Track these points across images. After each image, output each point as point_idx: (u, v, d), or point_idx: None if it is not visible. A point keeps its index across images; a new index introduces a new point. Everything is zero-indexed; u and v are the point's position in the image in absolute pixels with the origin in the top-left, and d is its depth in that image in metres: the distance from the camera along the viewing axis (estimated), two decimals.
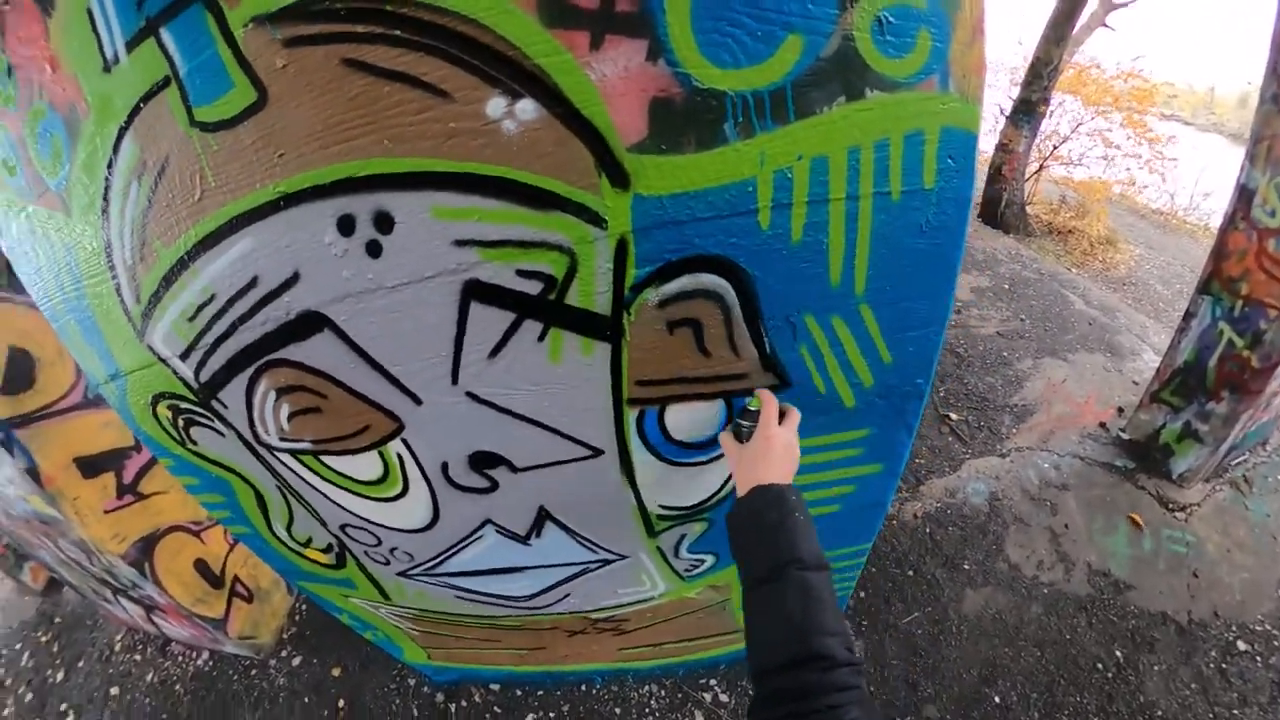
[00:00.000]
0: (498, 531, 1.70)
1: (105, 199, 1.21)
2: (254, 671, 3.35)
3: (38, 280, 1.42)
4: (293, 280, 1.14)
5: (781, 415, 1.16)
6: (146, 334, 1.39)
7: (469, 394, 1.27)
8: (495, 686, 2.95)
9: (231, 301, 1.25)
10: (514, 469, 1.45)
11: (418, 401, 1.31)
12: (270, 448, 1.57)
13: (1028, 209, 6.96)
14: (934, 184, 0.95)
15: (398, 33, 0.87)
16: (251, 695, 3.24)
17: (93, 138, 1.14)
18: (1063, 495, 3.02)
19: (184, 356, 1.40)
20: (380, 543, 1.84)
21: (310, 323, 1.19)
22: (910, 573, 2.83)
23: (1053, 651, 2.30)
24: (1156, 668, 2.16)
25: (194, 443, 1.64)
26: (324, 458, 1.55)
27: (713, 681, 2.74)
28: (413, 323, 1.14)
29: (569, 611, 2.16)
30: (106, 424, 2.77)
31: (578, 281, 1.06)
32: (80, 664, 3.75)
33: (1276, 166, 2.40)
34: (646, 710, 2.74)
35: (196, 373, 1.43)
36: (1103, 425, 3.41)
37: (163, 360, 1.43)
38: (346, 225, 1.03)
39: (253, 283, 1.19)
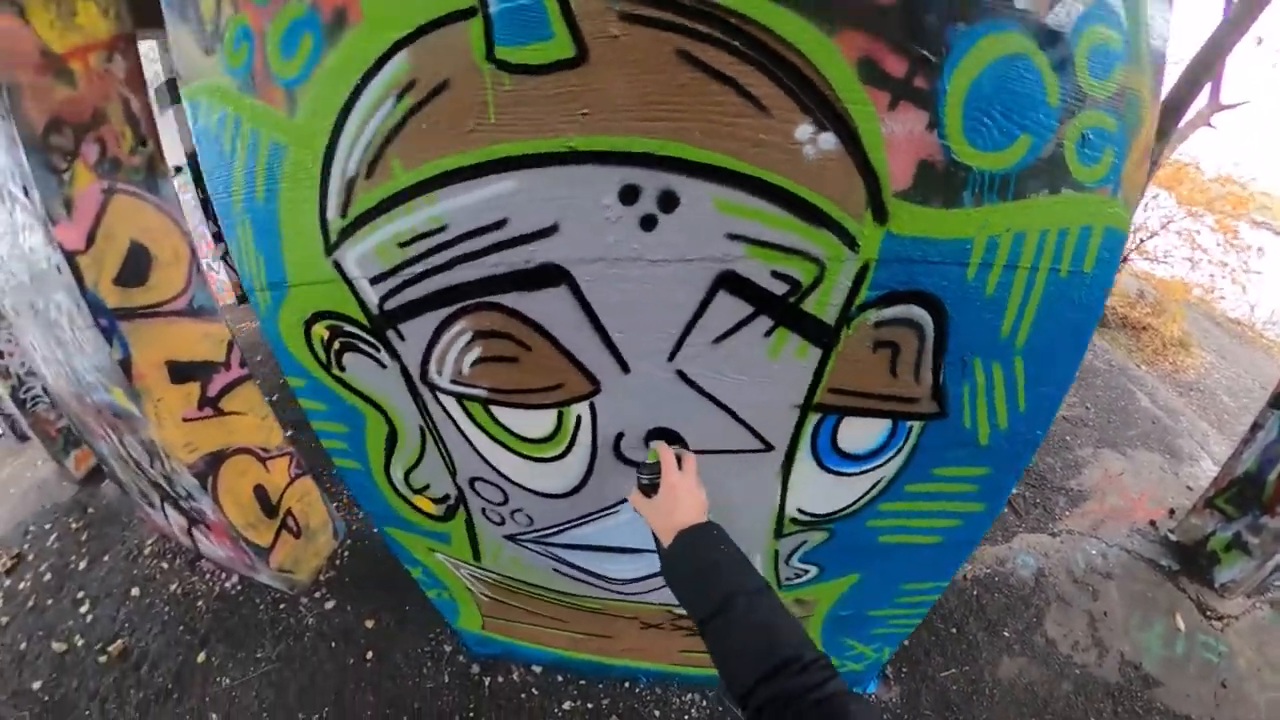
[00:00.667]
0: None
1: (347, 108, 1.21)
2: (283, 605, 3.31)
3: (223, 173, 1.39)
4: (549, 231, 1.16)
5: (678, 461, 1.23)
6: (338, 250, 1.38)
7: (679, 372, 1.32)
8: (537, 668, 2.92)
9: (465, 237, 1.26)
10: (685, 449, 1.45)
11: (626, 370, 1.34)
12: (436, 388, 1.56)
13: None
14: (1091, 269, 1.12)
15: (736, 43, 0.95)
16: (276, 628, 3.21)
17: (356, 46, 1.14)
18: (1105, 583, 3.04)
19: (376, 280, 1.40)
20: (506, 501, 1.82)
21: (547, 275, 1.22)
22: (953, 630, 2.89)
23: None
24: None
25: (341, 369, 1.64)
26: (493, 408, 1.55)
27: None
28: (657, 298, 1.20)
29: (659, 603, 2.13)
30: (205, 335, 2.78)
31: (818, 291, 1.15)
32: (105, 558, 3.74)
33: None
34: (686, 717, 2.69)
35: (384, 300, 1.43)
36: (1153, 523, 3.42)
37: (347, 280, 1.43)
38: (629, 194, 1.07)
39: (499, 224, 1.20)
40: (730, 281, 1.14)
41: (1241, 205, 6.60)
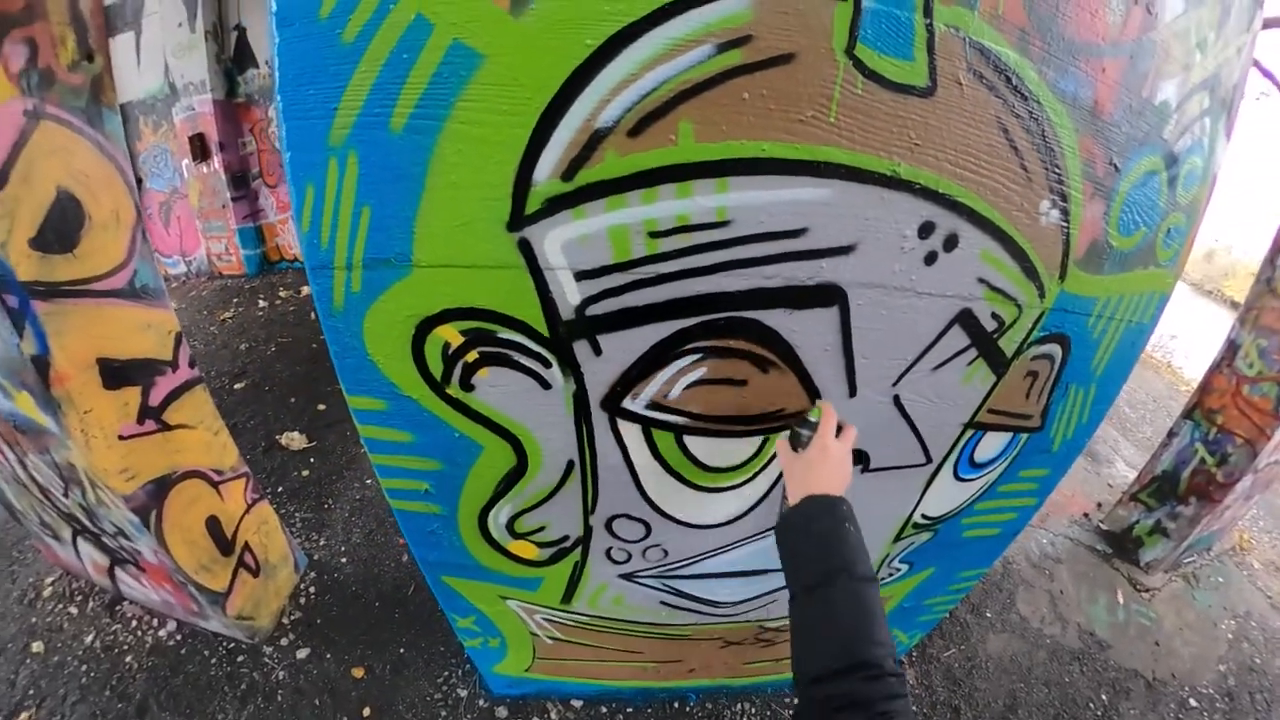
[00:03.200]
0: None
1: (625, 34, 0.88)
2: (241, 658, 2.69)
3: (326, 71, 0.91)
4: (846, 250, 1.09)
5: (839, 430, 1.20)
6: (533, 226, 1.01)
7: (895, 397, 1.34)
8: (577, 703, 2.56)
9: (751, 240, 1.03)
10: (864, 471, 1.48)
11: (851, 395, 1.30)
12: (622, 414, 1.25)
13: None
14: (1147, 321, 1.41)
15: (1031, 124, 1.05)
16: (238, 686, 2.59)
17: None
18: (1057, 567, 3.40)
19: (588, 275, 1.06)
20: (644, 538, 1.60)
21: (825, 295, 1.14)
22: (948, 616, 3.10)
23: (1056, 690, 2.64)
24: (1132, 712, 2.57)
25: (468, 388, 1.23)
26: (688, 436, 1.31)
27: (795, 700, 2.57)
28: (906, 327, 1.22)
29: (755, 620, 2.03)
30: (148, 326, 2.15)
31: (1012, 330, 1.28)
32: None
33: (1259, 331, 3.10)
34: None
35: (588, 302, 1.09)
36: (1086, 515, 3.92)
37: (535, 269, 1.04)
38: (926, 230, 1.09)
39: (797, 232, 1.05)
40: (965, 318, 1.22)
41: None
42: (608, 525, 1.54)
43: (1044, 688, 2.58)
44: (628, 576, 1.73)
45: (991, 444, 1.52)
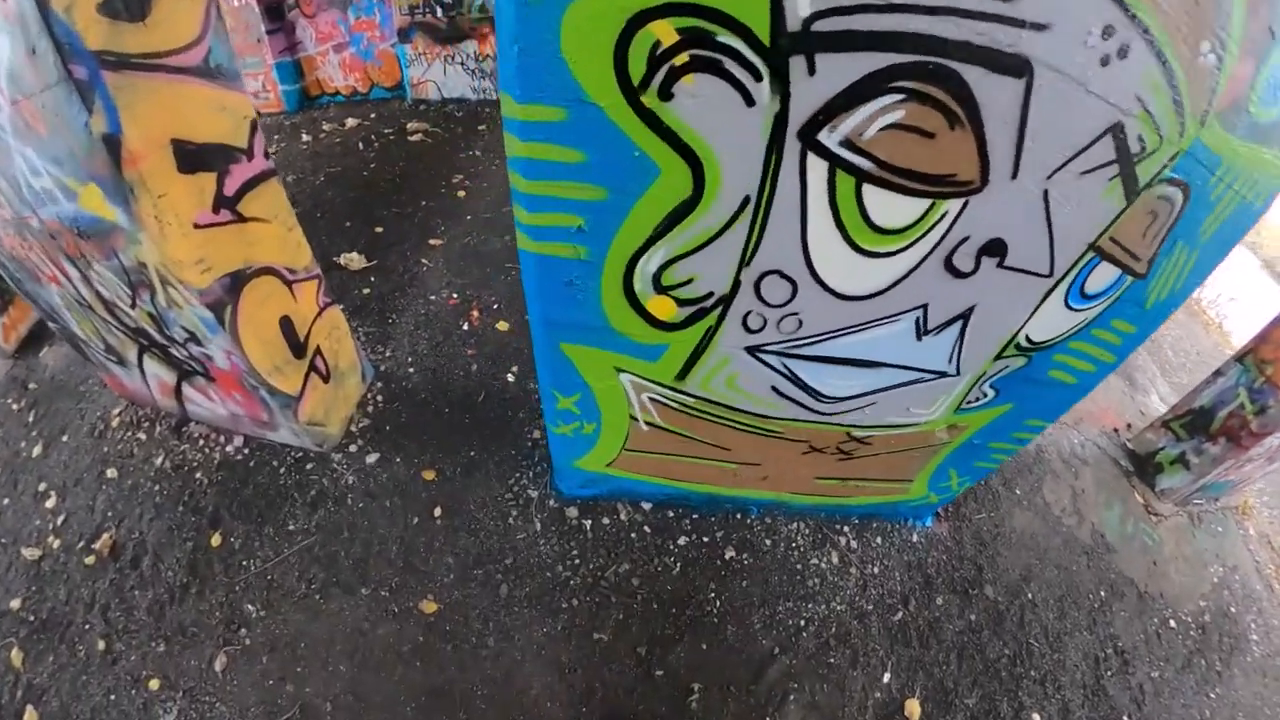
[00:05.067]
0: (915, 319, 1.64)
1: None
2: (309, 466, 2.72)
3: None
4: (1042, 28, 1.12)
5: None
6: None
7: (1045, 191, 1.34)
8: (647, 506, 2.70)
9: None
10: (998, 265, 1.49)
11: (1014, 175, 1.30)
12: (815, 147, 1.25)
13: None
14: (1260, 205, 1.44)
15: None
16: (307, 493, 2.65)
17: None
18: (1083, 467, 3.55)
19: None
20: (788, 302, 1.60)
21: (1017, 65, 1.15)
22: (982, 482, 3.26)
23: (1065, 575, 2.84)
24: (1122, 614, 2.78)
25: (666, 96, 1.21)
26: (867, 187, 1.31)
27: (845, 528, 2.76)
28: (1070, 123, 1.24)
29: (847, 424, 2.10)
30: (222, 109, 2.00)
31: (1148, 160, 1.30)
32: (64, 438, 2.89)
33: None
34: (793, 545, 2.67)
35: (816, 17, 1.08)
36: (1115, 430, 4.06)
37: None
38: (1107, 32, 1.13)
39: None
40: (1117, 131, 1.24)
41: None
42: (757, 284, 1.54)
43: (1055, 569, 2.80)
44: (753, 350, 1.74)
45: (1102, 277, 1.55)
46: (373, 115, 5.87)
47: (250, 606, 2.30)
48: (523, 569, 2.45)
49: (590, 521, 2.59)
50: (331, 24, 5.94)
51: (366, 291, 3.68)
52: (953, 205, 1.34)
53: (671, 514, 2.66)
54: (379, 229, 4.24)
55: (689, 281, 1.56)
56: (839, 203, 1.33)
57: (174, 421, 2.88)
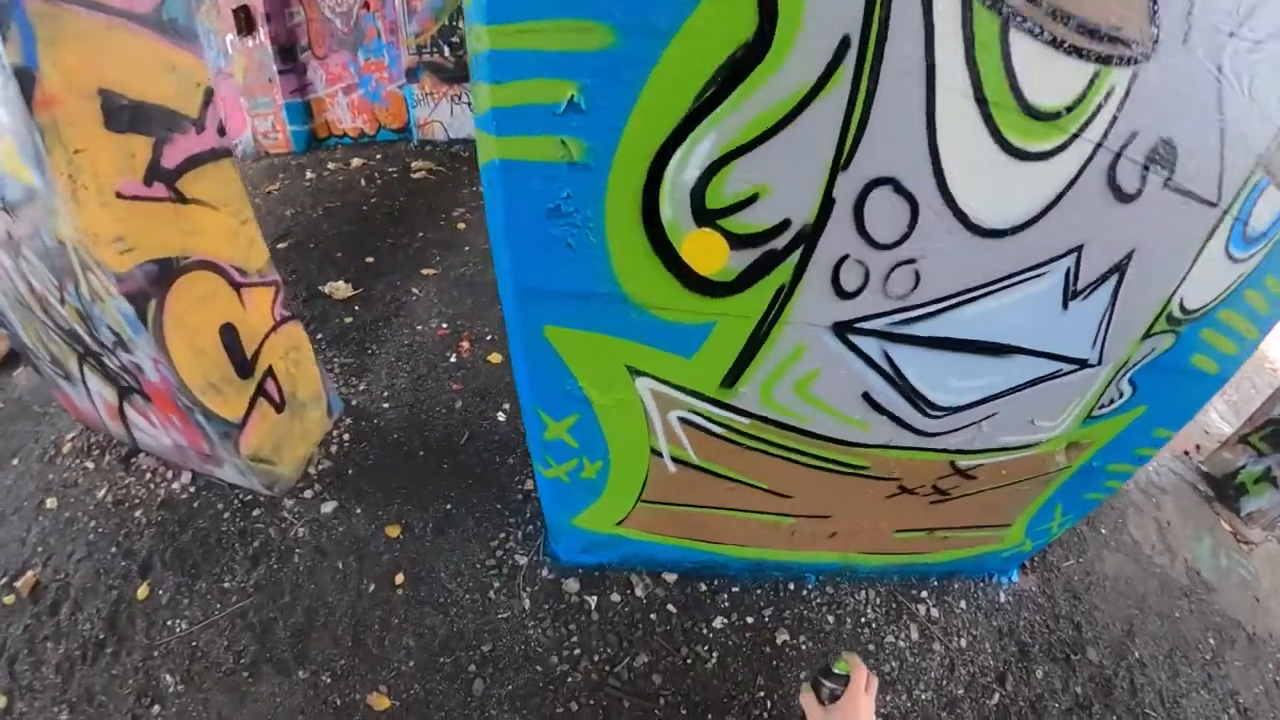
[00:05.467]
0: (1066, 270, 1.20)
1: None
2: (257, 511, 2.25)
3: None
4: None
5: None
6: None
7: (1219, 67, 0.98)
8: (671, 577, 2.09)
9: None
10: (1165, 183, 1.10)
11: (1185, 40, 0.95)
12: None
13: None
14: None
15: None
16: (249, 545, 2.16)
17: None
18: (1164, 497, 3.17)
19: None
20: (904, 239, 1.11)
21: None
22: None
23: (1169, 625, 2.43)
24: (1236, 663, 2.36)
25: None
26: (1015, 34, 0.92)
27: (924, 593, 2.23)
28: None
29: (954, 448, 1.59)
30: (171, 69, 1.75)
31: None
32: (14, 461, 2.62)
33: None
34: (862, 621, 2.10)
35: None
36: (1186, 453, 3.69)
37: None
38: None
39: None
40: None
41: None
42: (859, 205, 1.04)
43: (1157, 619, 2.41)
44: (845, 330, 1.24)
45: (1267, 211, 1.18)
46: (378, 156, 5.78)
47: (169, 677, 1.87)
48: (505, 659, 1.89)
49: (595, 598, 2.03)
50: (342, 65, 5.98)
51: (349, 320, 3.32)
52: (1118, 80, 0.96)
53: (704, 587, 2.09)
54: (370, 259, 3.98)
55: (752, 199, 1.04)
56: (978, 57, 0.90)
57: (124, 451, 2.54)
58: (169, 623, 1.99)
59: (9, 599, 2.09)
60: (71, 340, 2.12)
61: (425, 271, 3.80)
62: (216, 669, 1.89)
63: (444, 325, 3.27)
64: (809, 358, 1.31)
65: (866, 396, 1.40)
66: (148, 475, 2.46)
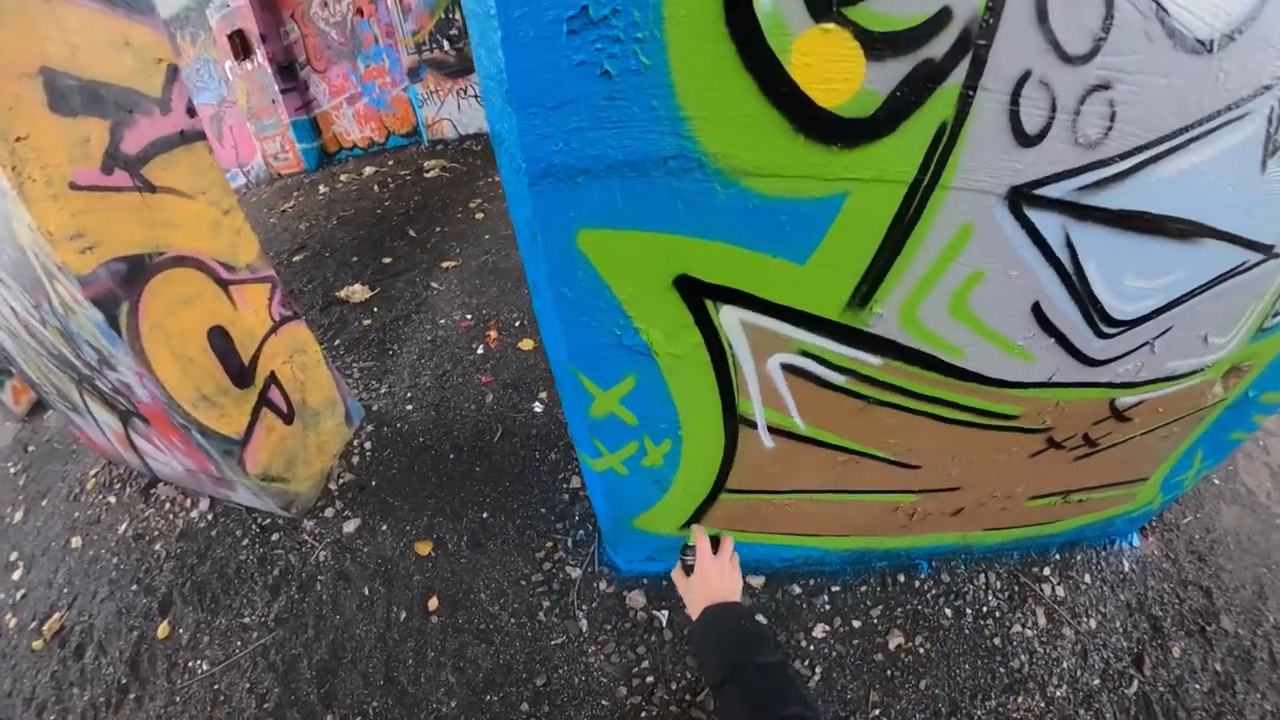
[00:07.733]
0: (1269, 111, 0.87)
1: None
2: (275, 536, 2.03)
3: None
4: None
5: (717, 545, 1.17)
6: None
7: None
8: (757, 581, 1.77)
9: None
10: None
11: None
12: None
13: None
14: None
15: None
16: (269, 573, 1.94)
17: None
18: (1270, 439, 2.82)
19: None
20: (1095, 50, 0.77)
21: None
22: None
23: None
24: None
25: None
26: None
27: (1046, 570, 1.89)
28: None
29: (1120, 382, 1.25)
30: (125, 44, 1.56)
31: None
32: (44, 502, 2.58)
33: None
34: (984, 610, 1.76)
35: None
36: None
37: None
38: None
39: None
40: None
41: None
42: None
43: None
44: (1022, 199, 0.88)
45: None
46: (390, 161, 5.64)
47: None
48: (563, 694, 1.59)
49: (667, 613, 1.72)
50: (343, 76, 5.88)
51: (367, 322, 3.11)
52: None
53: (798, 589, 1.76)
54: (387, 259, 3.77)
55: None
56: None
57: (144, 483, 2.43)
58: (190, 664, 1.81)
59: (37, 644, 2.01)
60: (65, 366, 1.95)
61: (445, 264, 3.57)
62: (239, 715, 1.67)
63: (468, 316, 3.02)
64: (973, 250, 0.93)
65: (1036, 309, 1.04)
66: (166, 505, 2.32)
